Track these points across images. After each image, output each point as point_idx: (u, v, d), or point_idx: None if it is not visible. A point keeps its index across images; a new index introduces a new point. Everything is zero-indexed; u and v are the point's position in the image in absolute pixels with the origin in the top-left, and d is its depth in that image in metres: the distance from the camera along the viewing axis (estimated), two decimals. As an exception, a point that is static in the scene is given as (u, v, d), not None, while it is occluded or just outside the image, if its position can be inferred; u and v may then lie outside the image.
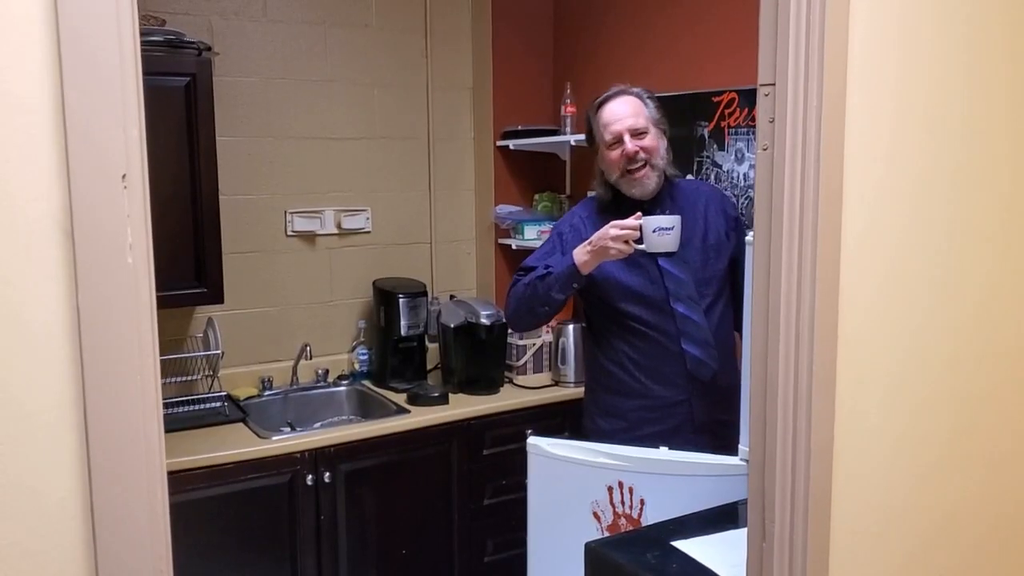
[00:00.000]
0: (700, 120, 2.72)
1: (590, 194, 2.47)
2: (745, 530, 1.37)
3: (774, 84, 1.19)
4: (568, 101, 3.13)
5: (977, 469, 1.45)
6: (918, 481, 1.38)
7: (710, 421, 2.23)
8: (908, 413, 1.35)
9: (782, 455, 1.25)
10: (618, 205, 2.26)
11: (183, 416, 2.67)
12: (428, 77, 3.24)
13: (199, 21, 2.79)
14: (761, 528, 1.30)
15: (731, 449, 2.19)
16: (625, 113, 2.20)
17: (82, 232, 0.82)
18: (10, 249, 0.83)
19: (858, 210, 1.23)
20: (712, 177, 2.70)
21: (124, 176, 0.82)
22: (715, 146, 2.68)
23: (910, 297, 1.32)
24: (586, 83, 3.17)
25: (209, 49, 2.65)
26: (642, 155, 2.18)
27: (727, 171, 2.65)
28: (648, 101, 2.24)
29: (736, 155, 2.62)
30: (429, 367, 3.14)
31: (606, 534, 2.10)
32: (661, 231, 2.08)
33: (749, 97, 2.54)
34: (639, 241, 2.10)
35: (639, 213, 2.12)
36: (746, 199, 2.60)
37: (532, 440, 2.18)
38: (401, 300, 2.98)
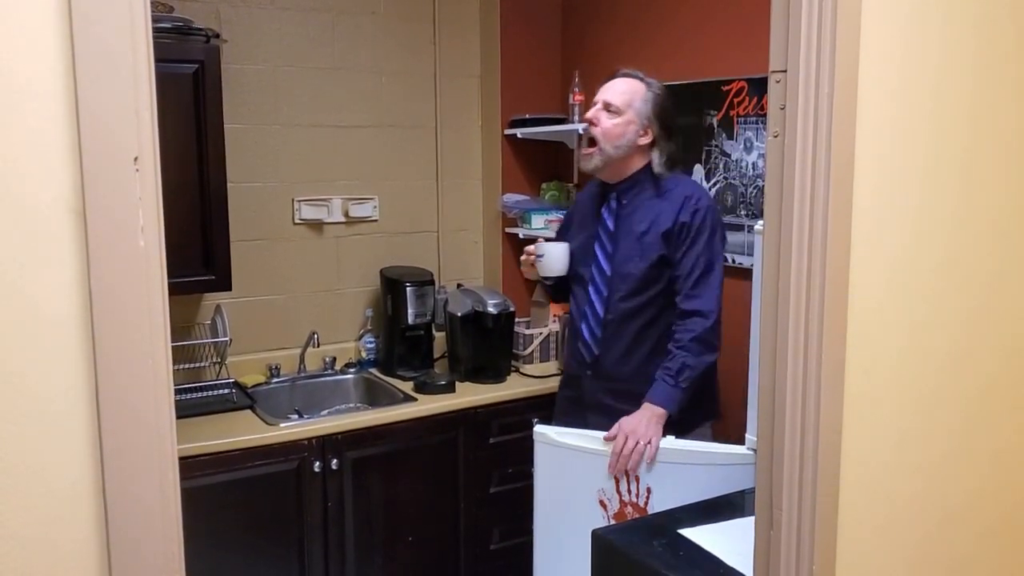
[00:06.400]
0: (709, 109, 2.71)
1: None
2: (752, 519, 1.37)
3: (785, 71, 1.19)
4: (576, 90, 3.12)
5: (985, 461, 1.45)
6: (926, 472, 1.38)
7: (597, 403, 2.33)
8: (916, 404, 1.35)
9: (790, 444, 1.25)
10: (604, 183, 2.39)
11: (191, 403, 2.68)
12: (436, 65, 3.23)
13: (207, 8, 2.79)
14: (769, 516, 1.30)
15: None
16: (614, 88, 2.27)
17: (94, 215, 0.82)
18: (23, 232, 0.83)
19: (869, 198, 1.22)
20: (721, 166, 2.69)
21: (136, 159, 0.82)
22: (724, 135, 2.67)
23: (920, 287, 1.32)
24: (594, 71, 3.15)
25: (217, 36, 2.64)
26: (595, 130, 2.25)
27: (736, 160, 2.64)
28: (651, 95, 2.27)
29: (745, 144, 2.61)
30: (436, 356, 3.14)
31: (612, 522, 2.11)
32: (537, 257, 2.39)
33: (758, 86, 2.53)
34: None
35: (540, 239, 2.43)
36: (755, 189, 2.59)
37: (539, 428, 2.19)
38: (408, 289, 2.98)
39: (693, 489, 1.97)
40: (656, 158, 2.29)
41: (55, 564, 0.91)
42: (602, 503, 2.14)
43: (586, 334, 2.33)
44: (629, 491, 2.10)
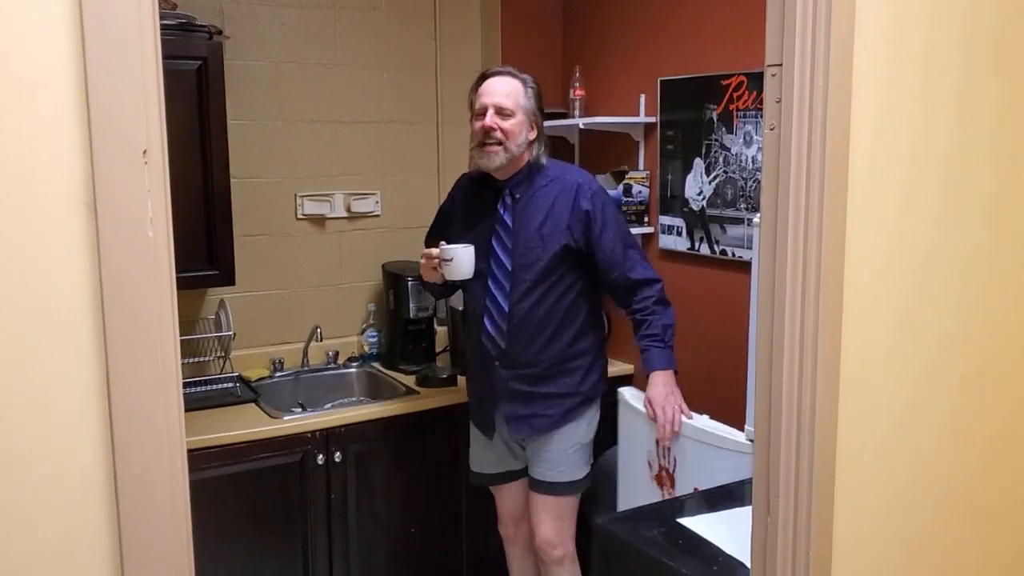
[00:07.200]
0: (709, 103, 2.72)
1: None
2: (749, 508, 1.39)
3: (781, 64, 1.20)
4: (577, 84, 3.14)
5: (979, 446, 1.46)
6: (921, 458, 1.40)
7: (510, 391, 2.36)
8: (911, 391, 1.37)
9: (787, 431, 1.27)
10: (486, 178, 2.39)
11: (195, 397, 2.70)
12: (437, 61, 3.24)
13: (210, 5, 2.81)
14: (766, 503, 1.32)
15: (549, 417, 2.35)
16: (499, 91, 2.29)
17: (104, 206, 0.84)
18: (35, 223, 0.86)
19: (863, 188, 1.24)
20: (720, 160, 2.71)
21: (145, 152, 0.84)
22: (724, 129, 2.69)
23: (913, 275, 1.34)
24: (595, 66, 3.17)
25: (220, 32, 2.66)
26: (497, 134, 2.26)
27: (735, 154, 2.66)
28: (530, 91, 2.32)
29: (745, 138, 2.62)
30: (438, 350, 3.16)
31: (653, 483, 2.33)
32: (444, 262, 2.29)
33: (758, 80, 2.55)
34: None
35: (442, 242, 2.31)
36: (754, 182, 2.61)
37: (621, 390, 2.44)
38: (410, 283, 3.00)
39: (709, 468, 2.13)
40: (537, 149, 2.35)
41: (66, 550, 0.93)
42: (648, 463, 2.35)
43: (490, 328, 2.33)
44: (663, 457, 2.28)
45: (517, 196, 2.34)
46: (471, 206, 2.44)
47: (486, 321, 2.35)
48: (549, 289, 2.32)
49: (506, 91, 2.29)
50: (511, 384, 2.36)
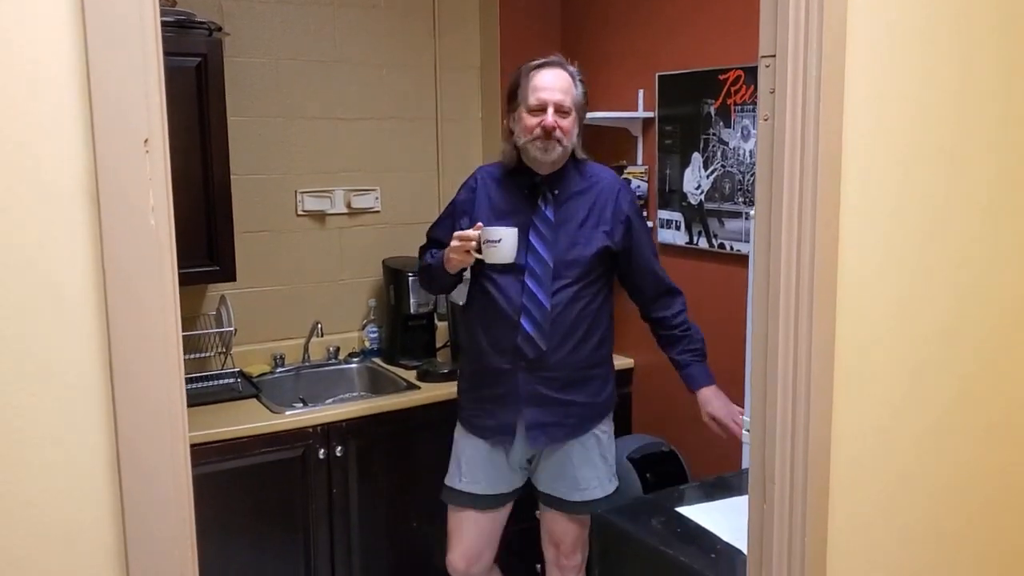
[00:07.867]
0: (706, 98, 2.73)
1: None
2: (747, 497, 1.41)
3: (774, 55, 1.22)
4: (575, 80, 3.15)
5: (976, 436, 1.47)
6: (917, 447, 1.41)
7: (535, 394, 2.27)
8: (907, 380, 1.38)
9: (782, 418, 1.28)
10: (520, 171, 2.32)
11: (197, 392, 2.71)
12: (436, 57, 3.26)
13: (209, 2, 2.81)
14: (762, 490, 1.33)
15: (565, 427, 2.30)
16: (558, 87, 2.23)
17: (107, 195, 0.86)
18: (39, 212, 0.87)
19: (857, 178, 1.25)
20: (718, 154, 2.72)
21: (146, 141, 0.86)
22: (721, 123, 2.70)
23: (908, 265, 1.35)
24: (593, 62, 3.18)
25: (220, 29, 2.67)
26: (558, 133, 2.21)
27: (733, 148, 2.67)
28: (579, 84, 2.29)
29: (742, 132, 2.63)
30: (438, 345, 3.18)
31: None
32: (489, 244, 2.15)
33: (755, 74, 2.55)
34: (480, 250, 2.17)
35: (480, 223, 2.21)
36: (752, 176, 2.62)
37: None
38: (410, 278, 3.01)
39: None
40: (578, 143, 2.31)
41: (71, 534, 0.94)
42: None
43: (530, 329, 2.22)
44: None
45: (557, 192, 2.28)
46: (501, 198, 2.33)
47: (524, 322, 2.22)
48: (583, 289, 2.26)
49: (564, 87, 2.23)
50: (536, 387, 2.26)
